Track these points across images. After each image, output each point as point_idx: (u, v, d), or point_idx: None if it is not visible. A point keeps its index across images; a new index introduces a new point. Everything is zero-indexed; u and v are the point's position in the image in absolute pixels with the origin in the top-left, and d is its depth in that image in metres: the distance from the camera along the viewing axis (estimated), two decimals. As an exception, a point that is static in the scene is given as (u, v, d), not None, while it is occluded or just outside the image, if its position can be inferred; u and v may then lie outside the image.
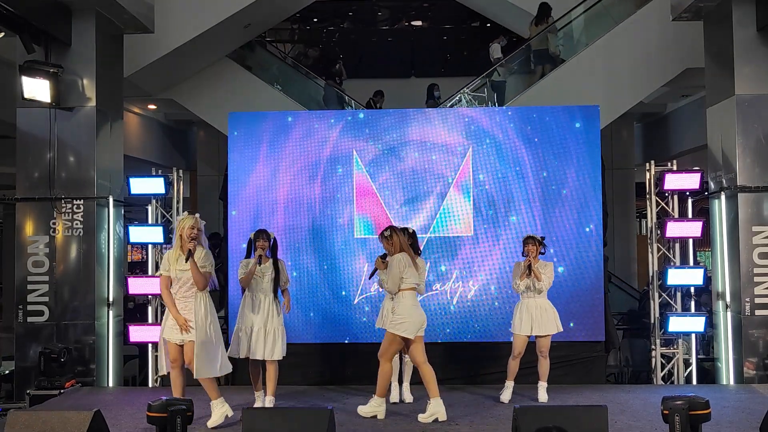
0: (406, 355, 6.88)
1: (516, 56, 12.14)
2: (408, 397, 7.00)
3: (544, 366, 7.03)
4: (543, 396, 6.98)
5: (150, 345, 8.53)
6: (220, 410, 6.19)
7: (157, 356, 8.50)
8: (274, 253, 6.64)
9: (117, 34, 9.05)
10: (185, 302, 6.14)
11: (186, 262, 6.05)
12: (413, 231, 6.90)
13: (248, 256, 6.65)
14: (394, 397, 6.93)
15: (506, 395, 6.98)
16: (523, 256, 6.97)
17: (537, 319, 6.89)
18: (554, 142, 8.16)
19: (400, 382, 7.04)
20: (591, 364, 8.11)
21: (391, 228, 6.48)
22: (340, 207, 8.23)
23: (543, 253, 7.02)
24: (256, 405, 6.59)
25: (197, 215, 6.33)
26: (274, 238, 6.65)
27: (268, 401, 6.57)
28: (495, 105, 11.68)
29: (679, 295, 8.57)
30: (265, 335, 6.46)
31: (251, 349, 6.46)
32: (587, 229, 8.08)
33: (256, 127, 8.38)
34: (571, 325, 7.98)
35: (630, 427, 6.07)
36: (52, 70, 8.06)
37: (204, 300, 6.15)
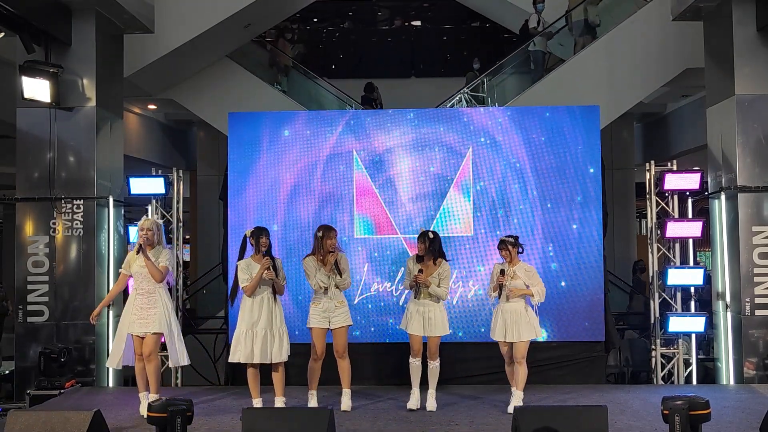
0: (431, 360, 6.71)
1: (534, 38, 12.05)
2: (432, 405, 6.74)
3: (519, 373, 6.60)
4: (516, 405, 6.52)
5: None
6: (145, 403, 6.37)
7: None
8: (269, 252, 6.58)
9: (117, 34, 9.05)
10: (148, 297, 6.51)
11: (137, 254, 6.52)
12: (434, 235, 6.85)
13: (242, 256, 6.62)
14: (412, 404, 6.73)
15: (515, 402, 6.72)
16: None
17: (510, 325, 6.58)
18: (554, 142, 8.16)
19: (423, 389, 6.80)
20: (591, 364, 8.10)
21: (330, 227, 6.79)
22: (340, 207, 8.23)
23: (521, 252, 6.75)
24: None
25: (153, 218, 7.00)
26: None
27: (279, 402, 6.54)
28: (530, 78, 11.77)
29: (679, 295, 8.58)
30: (272, 338, 6.43)
31: (257, 353, 6.40)
32: (587, 229, 8.07)
33: (256, 127, 8.37)
34: (586, 324, 8.00)
35: (630, 427, 6.07)
36: (52, 70, 8.07)
37: (163, 294, 6.59)
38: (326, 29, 16.95)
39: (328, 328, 6.68)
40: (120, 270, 6.76)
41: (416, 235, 6.88)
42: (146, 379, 6.57)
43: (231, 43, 11.84)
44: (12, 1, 7.32)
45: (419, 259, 6.75)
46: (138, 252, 6.50)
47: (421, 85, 14.83)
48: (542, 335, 6.83)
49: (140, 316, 6.47)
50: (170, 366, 6.87)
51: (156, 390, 6.53)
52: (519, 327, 6.56)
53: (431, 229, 7.24)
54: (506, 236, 6.77)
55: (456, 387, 7.61)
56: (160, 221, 6.83)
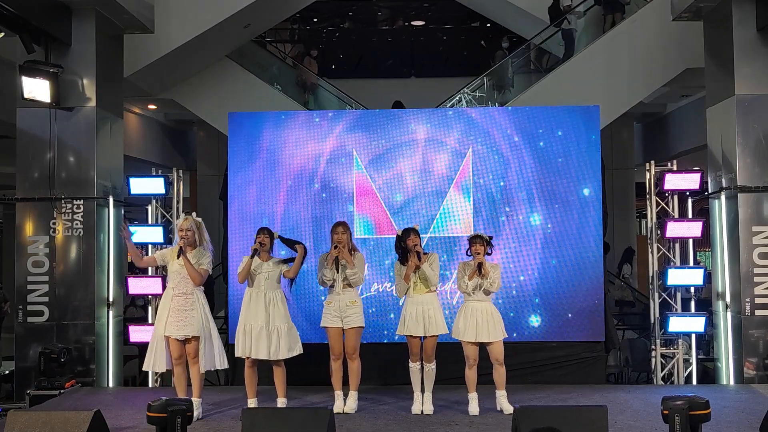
0: (427, 363, 6.66)
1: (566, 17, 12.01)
2: (428, 408, 6.66)
3: (500, 373, 6.54)
4: (506, 406, 6.49)
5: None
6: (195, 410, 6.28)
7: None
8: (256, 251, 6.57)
9: (117, 34, 9.05)
10: (185, 299, 6.37)
11: (178, 258, 6.33)
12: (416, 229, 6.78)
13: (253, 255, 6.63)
14: (417, 408, 6.68)
15: (473, 407, 6.58)
16: (468, 255, 6.61)
17: (482, 325, 6.43)
18: (554, 142, 8.16)
19: (422, 391, 6.73)
20: (591, 364, 8.10)
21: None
22: (340, 207, 8.23)
23: (489, 254, 6.60)
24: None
25: (192, 216, 6.61)
26: (280, 237, 6.67)
27: (280, 403, 6.54)
28: (570, 46, 11.79)
29: (679, 295, 8.57)
30: (268, 335, 6.41)
31: (252, 348, 6.40)
32: (587, 229, 8.07)
33: (256, 127, 8.38)
34: (586, 324, 8.01)
35: (630, 427, 6.07)
36: (52, 70, 8.07)
37: (200, 297, 6.44)
38: (326, 29, 16.96)
39: (342, 328, 6.67)
40: (154, 254, 6.56)
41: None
42: (186, 382, 6.47)
43: (231, 43, 11.85)
44: (12, 1, 7.32)
45: (404, 260, 6.66)
46: (179, 255, 6.31)
47: (421, 85, 14.83)
48: (506, 335, 6.67)
49: (178, 318, 6.33)
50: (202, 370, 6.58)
51: (199, 393, 6.46)
52: (489, 327, 6.47)
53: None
54: (482, 233, 6.68)
55: (456, 387, 7.60)
56: (199, 219, 6.65)
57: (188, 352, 6.40)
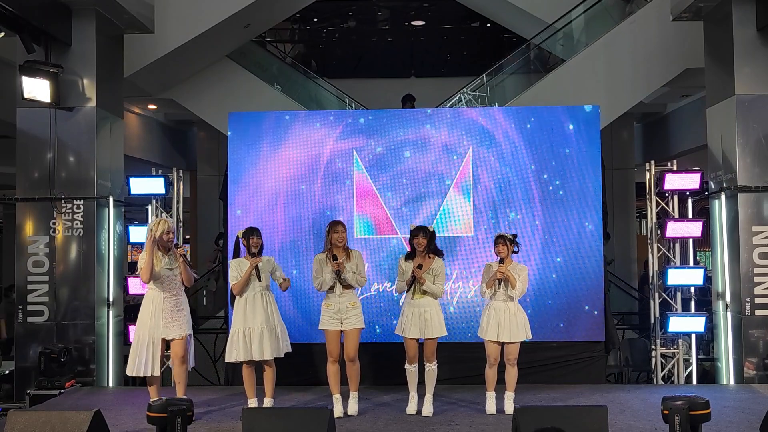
0: (428, 363, 6.65)
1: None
2: (428, 410, 6.62)
3: (512, 375, 6.58)
4: (510, 407, 6.50)
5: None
6: None
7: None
8: (260, 252, 6.61)
9: (117, 34, 9.06)
10: (176, 299, 6.44)
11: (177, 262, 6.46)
12: (432, 230, 6.75)
13: (236, 255, 6.62)
14: (411, 409, 6.68)
15: (491, 406, 6.61)
16: (497, 255, 6.59)
17: (504, 325, 6.46)
18: (554, 142, 8.16)
19: (420, 393, 6.72)
20: (591, 364, 8.10)
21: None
22: (340, 207, 8.23)
23: (516, 252, 6.63)
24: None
25: (169, 219, 6.68)
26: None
27: (267, 402, 6.54)
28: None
29: (679, 295, 8.57)
30: (270, 334, 6.43)
31: (254, 350, 6.39)
32: (587, 229, 8.08)
33: (256, 127, 8.38)
34: (586, 324, 8.00)
35: (630, 427, 6.07)
36: (52, 70, 8.07)
37: (185, 296, 6.54)
38: (326, 29, 16.96)
39: (341, 330, 6.65)
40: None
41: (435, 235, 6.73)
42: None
43: (231, 43, 11.84)
44: (12, 1, 7.32)
45: (410, 256, 6.67)
46: (160, 253, 6.42)
47: (421, 85, 14.82)
48: (531, 336, 6.72)
49: (173, 319, 6.38)
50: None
51: (183, 392, 6.49)
52: (512, 327, 6.48)
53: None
54: (504, 233, 6.67)
55: (456, 387, 7.61)
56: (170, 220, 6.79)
57: (180, 353, 6.42)
